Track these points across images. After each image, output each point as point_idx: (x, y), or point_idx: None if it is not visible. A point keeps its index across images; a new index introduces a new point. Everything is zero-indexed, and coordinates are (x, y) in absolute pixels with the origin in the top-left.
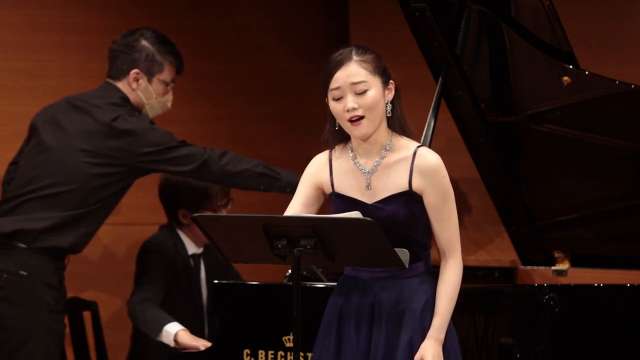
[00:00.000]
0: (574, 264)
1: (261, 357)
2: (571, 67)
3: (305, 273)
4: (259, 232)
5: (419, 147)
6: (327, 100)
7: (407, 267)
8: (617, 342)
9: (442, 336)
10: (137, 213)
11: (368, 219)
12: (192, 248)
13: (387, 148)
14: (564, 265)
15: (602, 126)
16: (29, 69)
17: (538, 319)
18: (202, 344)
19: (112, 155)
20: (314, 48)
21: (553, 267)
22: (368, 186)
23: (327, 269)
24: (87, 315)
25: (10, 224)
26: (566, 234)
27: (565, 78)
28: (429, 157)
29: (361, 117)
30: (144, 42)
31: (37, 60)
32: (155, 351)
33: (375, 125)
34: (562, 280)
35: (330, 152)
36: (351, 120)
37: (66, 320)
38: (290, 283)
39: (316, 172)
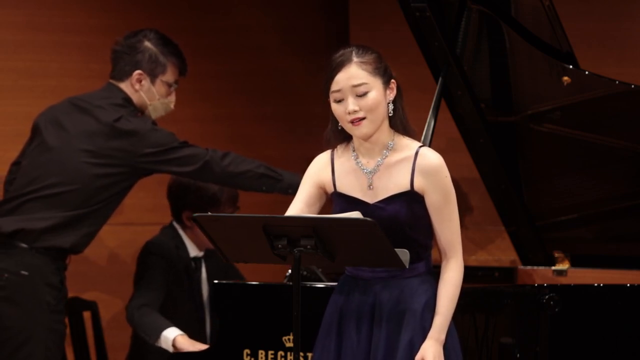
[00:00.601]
0: (574, 264)
1: (261, 357)
2: (571, 67)
3: (305, 273)
4: (259, 232)
5: (420, 147)
6: (330, 101)
7: (407, 267)
8: (617, 342)
9: (443, 336)
10: (138, 213)
11: (368, 219)
12: (193, 250)
13: (389, 148)
14: (564, 265)
15: (602, 126)
16: (29, 69)
17: (538, 319)
18: (201, 348)
19: (114, 155)
20: (314, 48)
21: (553, 267)
22: (370, 186)
23: (327, 269)
24: (87, 315)
25: (12, 223)
26: (566, 234)
27: (565, 78)
28: (431, 157)
29: (362, 118)
30: (147, 43)
31: (37, 60)
32: (155, 352)
33: (376, 125)
34: (562, 280)
35: (332, 151)
36: (352, 122)
37: (66, 321)
38: (290, 283)
39: (318, 171)
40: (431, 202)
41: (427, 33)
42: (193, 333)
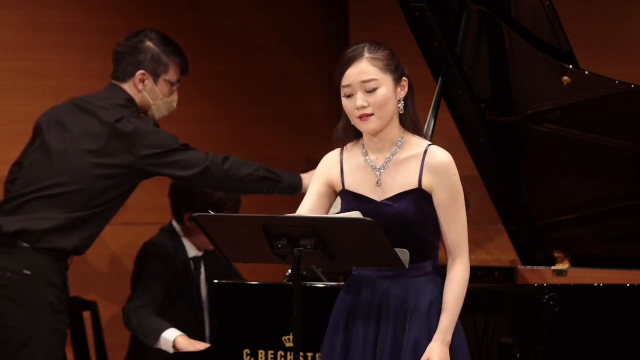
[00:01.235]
0: (574, 264)
1: (261, 357)
2: (571, 67)
3: (305, 273)
4: (259, 232)
5: (430, 145)
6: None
7: (407, 267)
8: (617, 342)
9: (449, 338)
10: (138, 213)
11: (368, 219)
12: (192, 251)
13: (399, 145)
14: (564, 265)
15: (602, 126)
16: (29, 69)
17: (538, 319)
18: (202, 346)
19: (115, 155)
20: (314, 48)
21: (553, 267)
22: (378, 182)
23: (327, 269)
24: (87, 315)
25: (14, 223)
26: (566, 234)
27: (565, 78)
28: (440, 155)
29: (371, 115)
30: (149, 44)
31: (37, 60)
32: (155, 352)
33: (384, 122)
34: (562, 280)
35: (342, 150)
36: (360, 117)
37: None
38: (290, 283)
39: (327, 169)
40: (439, 200)
41: (427, 33)
42: (192, 334)
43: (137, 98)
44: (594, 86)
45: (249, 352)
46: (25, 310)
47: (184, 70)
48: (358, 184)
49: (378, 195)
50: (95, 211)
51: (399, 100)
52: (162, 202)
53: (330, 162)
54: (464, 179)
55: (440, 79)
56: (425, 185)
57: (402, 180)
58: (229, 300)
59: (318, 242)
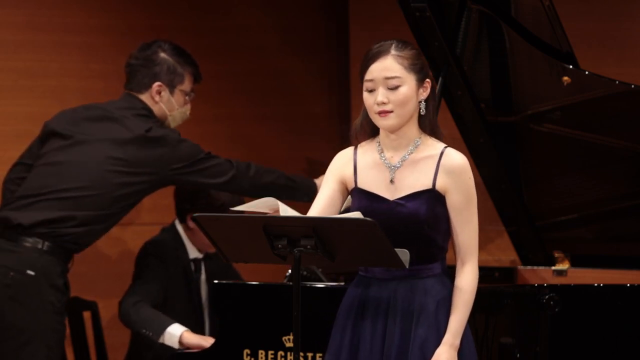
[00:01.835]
0: (574, 264)
1: (261, 357)
2: (571, 67)
3: (305, 273)
4: (259, 232)
5: (446, 147)
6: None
7: (407, 267)
8: (617, 342)
9: (458, 342)
10: (137, 213)
11: (368, 219)
12: (193, 252)
13: (416, 144)
14: (564, 265)
15: (602, 126)
16: (29, 69)
17: (538, 319)
18: (208, 341)
19: (142, 164)
20: (314, 48)
21: (553, 267)
22: (392, 180)
23: (327, 269)
24: (87, 315)
25: (30, 216)
26: (566, 234)
27: (565, 78)
28: (457, 158)
29: (390, 112)
30: (163, 55)
31: (37, 60)
32: (154, 351)
33: (402, 120)
34: (562, 280)
35: (355, 147)
36: (379, 113)
37: (66, 321)
38: (290, 283)
39: (340, 167)
40: (452, 202)
41: (427, 33)
42: None
43: (155, 109)
44: (594, 86)
45: (249, 352)
46: (27, 310)
47: (197, 79)
48: (371, 182)
49: (391, 194)
50: (111, 211)
51: (420, 101)
52: (163, 202)
53: (343, 160)
54: None
55: (440, 79)
56: (440, 186)
57: (416, 180)
58: (229, 300)
59: (318, 242)
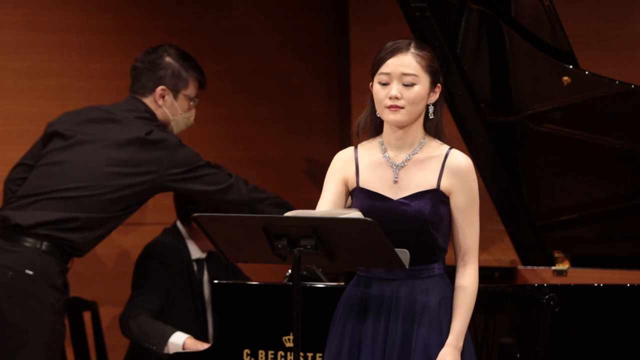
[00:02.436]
0: (574, 264)
1: (261, 357)
2: (571, 67)
3: (305, 273)
4: (259, 232)
5: (451, 148)
6: (372, 85)
7: (407, 267)
8: (617, 342)
9: (461, 343)
10: (138, 213)
11: (368, 219)
12: (196, 253)
13: (420, 145)
14: (564, 265)
15: (602, 126)
16: (29, 69)
17: (538, 319)
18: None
19: (141, 166)
20: (314, 48)
21: (553, 267)
22: (395, 180)
23: (327, 269)
24: (87, 315)
25: (29, 217)
26: (566, 234)
27: (565, 78)
28: (462, 159)
29: (401, 108)
30: (169, 59)
31: (37, 60)
32: (154, 352)
33: (410, 119)
34: (562, 280)
35: (356, 148)
36: (390, 107)
37: (66, 321)
38: (290, 283)
39: (342, 167)
40: (457, 203)
41: (427, 33)
42: (195, 335)
43: (158, 113)
44: (594, 86)
45: (249, 352)
46: (26, 310)
47: (202, 85)
48: (373, 181)
49: (393, 193)
50: (111, 215)
51: (429, 104)
52: (163, 202)
53: (345, 160)
54: None
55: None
56: (444, 186)
57: (420, 180)
58: (229, 300)
59: (318, 242)
